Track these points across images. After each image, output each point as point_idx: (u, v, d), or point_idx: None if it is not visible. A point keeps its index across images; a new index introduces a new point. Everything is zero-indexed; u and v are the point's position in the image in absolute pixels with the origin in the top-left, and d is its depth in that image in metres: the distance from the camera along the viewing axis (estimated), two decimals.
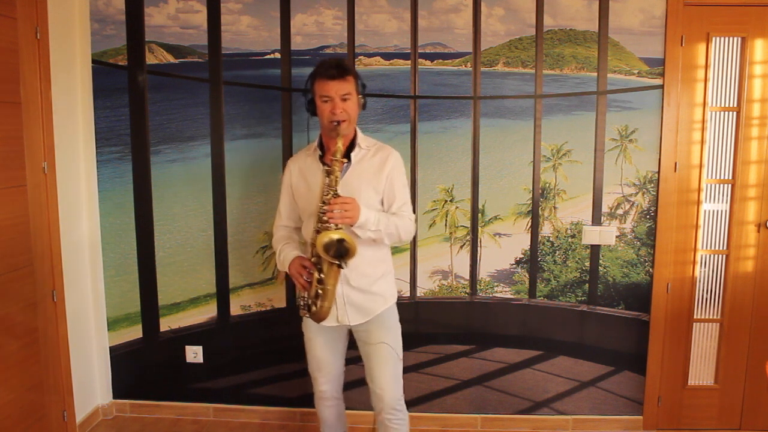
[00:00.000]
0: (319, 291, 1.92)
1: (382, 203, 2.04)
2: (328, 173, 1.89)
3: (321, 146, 2.04)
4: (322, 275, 1.90)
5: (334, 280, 1.91)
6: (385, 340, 2.07)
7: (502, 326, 2.84)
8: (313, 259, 1.92)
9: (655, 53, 2.65)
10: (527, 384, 2.86)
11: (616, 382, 2.83)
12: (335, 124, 1.91)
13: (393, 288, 2.14)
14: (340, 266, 1.84)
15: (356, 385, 2.85)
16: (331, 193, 1.86)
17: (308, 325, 2.13)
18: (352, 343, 2.19)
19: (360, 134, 2.05)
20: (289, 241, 2.12)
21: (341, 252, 1.82)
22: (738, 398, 2.80)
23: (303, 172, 2.06)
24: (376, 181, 2.00)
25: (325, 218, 1.85)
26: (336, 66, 1.91)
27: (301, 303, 2.00)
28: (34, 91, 2.44)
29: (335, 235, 1.81)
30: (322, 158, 2.02)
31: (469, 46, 2.72)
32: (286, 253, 2.04)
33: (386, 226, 1.95)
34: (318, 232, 1.87)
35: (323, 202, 1.87)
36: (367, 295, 2.03)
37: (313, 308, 1.95)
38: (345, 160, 1.95)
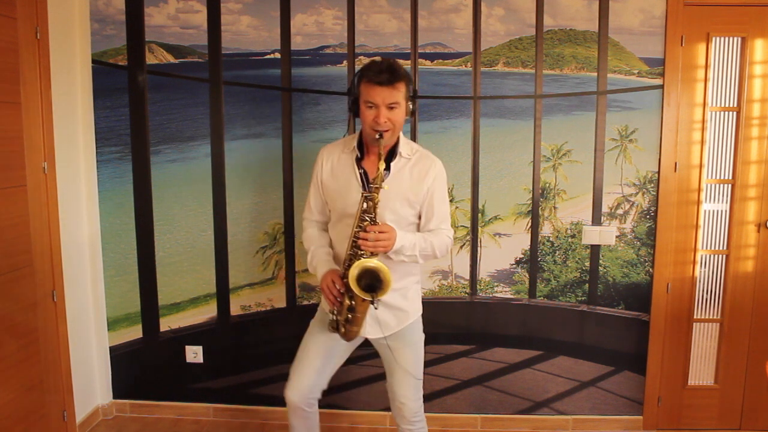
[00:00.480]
0: (350, 317, 1.83)
1: (419, 217, 1.94)
2: (367, 199, 1.76)
3: (360, 147, 1.91)
4: (353, 302, 1.80)
5: (365, 309, 1.83)
6: (406, 358, 1.98)
7: (502, 326, 2.84)
8: (345, 280, 1.81)
9: (655, 53, 2.65)
10: (527, 384, 2.86)
11: (616, 382, 2.83)
12: (377, 135, 1.77)
13: (418, 302, 2.05)
14: (372, 303, 1.74)
15: (356, 385, 2.85)
16: (369, 219, 1.75)
17: (320, 321, 2.04)
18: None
19: (402, 140, 1.92)
20: (323, 244, 2.00)
21: (374, 281, 1.71)
22: (738, 398, 2.80)
23: (335, 170, 1.93)
24: (413, 193, 1.88)
25: (358, 244, 1.76)
26: (388, 71, 1.76)
27: (332, 317, 1.91)
28: (34, 91, 2.44)
29: (370, 264, 1.71)
30: (359, 160, 1.90)
31: (469, 46, 2.72)
32: (320, 260, 1.93)
33: (422, 249, 1.86)
34: (352, 258, 1.78)
35: (359, 227, 1.77)
36: (392, 309, 1.95)
37: (342, 330, 1.87)
38: (385, 186, 1.79)
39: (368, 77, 1.79)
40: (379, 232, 1.74)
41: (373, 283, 1.72)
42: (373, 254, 1.76)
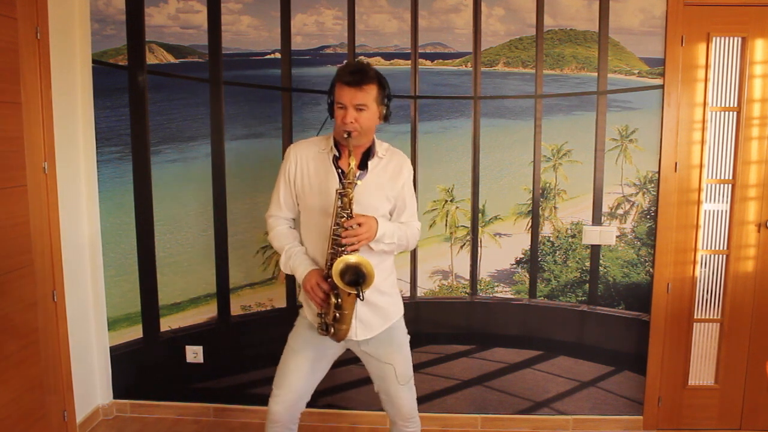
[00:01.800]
0: (337, 315, 1.84)
1: (391, 212, 1.98)
2: (341, 195, 1.78)
3: (337, 146, 1.93)
4: (339, 300, 1.81)
5: (352, 305, 1.84)
6: (396, 361, 1.99)
7: (502, 326, 2.84)
8: (329, 280, 1.82)
9: (655, 53, 2.65)
10: (527, 384, 2.86)
11: (617, 382, 2.83)
12: (345, 134, 1.80)
13: (401, 301, 2.08)
14: (358, 296, 1.75)
15: (356, 386, 2.85)
16: (346, 215, 1.77)
17: (298, 335, 2.04)
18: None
19: (377, 141, 1.95)
20: (296, 243, 1.99)
21: (358, 277, 1.75)
22: (738, 398, 2.80)
23: (312, 168, 1.93)
24: (390, 189, 1.93)
25: (340, 242, 1.77)
26: (356, 72, 1.79)
27: (320, 320, 1.91)
28: (34, 91, 2.44)
29: (352, 259, 1.75)
30: (337, 160, 1.91)
31: (469, 46, 2.72)
32: (298, 261, 1.93)
33: (399, 238, 1.91)
34: (333, 256, 1.79)
35: (337, 224, 1.78)
36: (376, 309, 1.96)
37: (332, 330, 1.87)
38: (358, 181, 1.84)
39: (339, 78, 1.82)
40: (358, 225, 1.78)
41: (356, 278, 1.76)
42: (354, 250, 1.79)
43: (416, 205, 2.05)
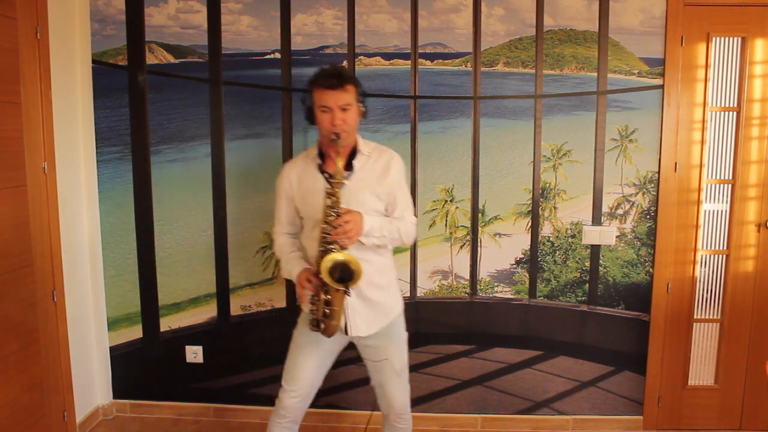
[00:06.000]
0: (327, 311, 1.88)
1: (385, 209, 2.00)
2: (329, 194, 1.83)
3: (321, 154, 1.99)
4: (328, 296, 1.86)
5: (341, 301, 1.88)
6: (393, 356, 2.04)
7: (502, 326, 2.84)
8: (318, 277, 1.86)
9: (655, 53, 2.64)
10: (527, 384, 2.86)
11: (616, 382, 2.83)
12: (334, 137, 1.85)
13: (400, 297, 2.11)
14: (346, 292, 1.81)
15: (356, 386, 2.85)
16: (334, 214, 1.81)
17: (303, 332, 2.07)
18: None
19: (360, 140, 2.00)
20: (295, 249, 2.06)
21: (346, 274, 1.78)
22: (738, 398, 2.80)
23: (302, 180, 2.00)
24: (379, 186, 1.96)
25: (329, 239, 1.81)
26: (336, 75, 1.86)
27: (311, 317, 1.95)
28: (34, 91, 2.44)
29: (339, 257, 1.79)
30: (321, 167, 1.97)
31: (469, 46, 2.72)
32: (293, 264, 1.99)
33: (389, 231, 1.94)
34: (322, 254, 1.83)
35: (326, 223, 1.83)
36: (375, 305, 1.99)
37: (322, 326, 1.91)
38: (345, 180, 1.89)
39: (318, 83, 1.87)
40: (345, 222, 1.80)
41: (344, 275, 1.79)
42: (343, 247, 1.82)
43: (410, 200, 2.06)
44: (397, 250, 2.76)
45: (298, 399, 2.04)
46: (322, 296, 1.87)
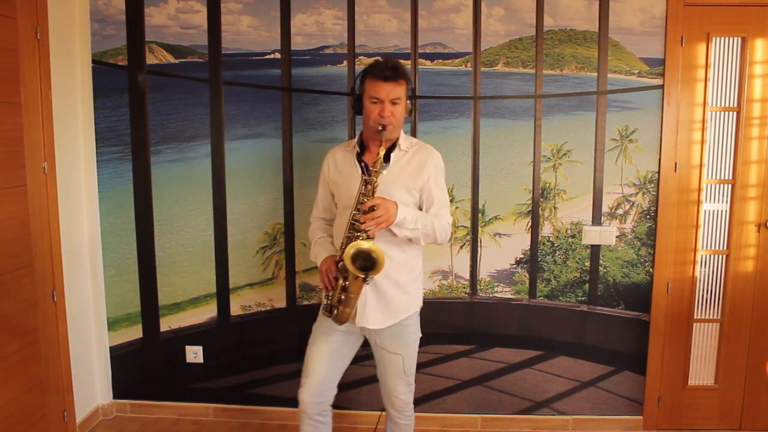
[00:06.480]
0: (342, 297, 1.89)
1: (420, 207, 2.00)
2: (366, 182, 1.85)
3: (361, 144, 2.02)
4: (346, 283, 1.87)
5: (358, 289, 1.88)
6: (401, 354, 2.04)
7: (502, 326, 2.84)
8: (340, 264, 1.89)
9: (655, 53, 2.64)
10: (527, 384, 2.86)
11: (616, 382, 2.83)
12: (380, 128, 1.87)
13: (419, 296, 2.10)
14: (365, 280, 1.81)
15: (356, 386, 2.85)
16: (366, 200, 1.82)
17: (318, 324, 2.10)
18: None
19: (402, 135, 2.02)
20: (324, 235, 2.10)
21: (368, 263, 1.78)
22: (738, 398, 2.80)
23: (339, 167, 2.04)
24: (412, 182, 1.96)
25: (358, 227, 1.81)
26: (392, 68, 1.88)
27: (325, 302, 1.97)
28: (34, 91, 2.44)
29: (364, 245, 1.78)
30: (359, 156, 2.00)
31: (469, 46, 2.72)
32: (320, 249, 2.04)
33: (424, 225, 1.92)
34: (348, 240, 1.84)
35: (357, 209, 1.83)
36: (388, 301, 1.98)
37: (335, 311, 1.92)
38: (384, 171, 1.91)
39: (373, 74, 1.89)
40: (376, 207, 1.79)
41: (366, 264, 1.79)
42: (370, 237, 1.81)
43: (447, 199, 2.06)
44: None
45: (310, 393, 2.04)
46: (341, 282, 1.88)
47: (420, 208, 2.01)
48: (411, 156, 2.00)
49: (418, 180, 1.97)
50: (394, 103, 1.89)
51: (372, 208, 1.79)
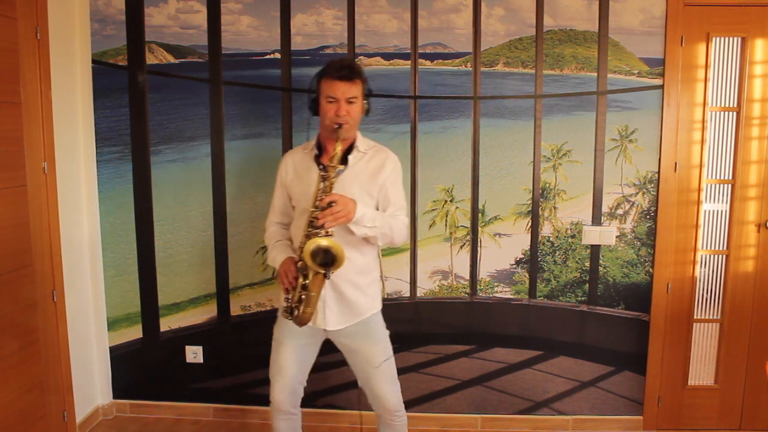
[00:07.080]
0: (302, 296, 1.87)
1: (377, 208, 2.01)
2: (323, 178, 1.85)
3: (318, 146, 2.02)
4: (306, 281, 1.85)
5: (318, 287, 1.87)
6: (368, 351, 2.04)
7: (502, 326, 2.84)
8: (299, 264, 1.87)
9: (655, 53, 2.65)
10: (527, 384, 2.86)
11: (616, 382, 2.83)
12: (337, 126, 1.88)
13: (378, 298, 2.10)
14: (325, 276, 1.80)
15: (355, 386, 2.84)
16: (324, 197, 1.82)
17: (281, 327, 2.09)
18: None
19: (360, 137, 2.02)
20: (281, 239, 2.09)
21: (328, 260, 1.78)
22: (738, 398, 2.80)
23: (297, 169, 2.04)
24: (371, 184, 1.97)
25: (316, 223, 1.80)
26: (347, 67, 1.89)
27: (285, 304, 1.95)
28: (34, 91, 2.44)
29: (323, 242, 1.77)
30: (318, 158, 1.99)
31: (469, 46, 2.72)
32: (278, 252, 2.02)
33: (382, 225, 1.92)
34: (308, 237, 1.82)
35: (315, 207, 1.82)
36: (347, 303, 1.99)
37: (296, 312, 1.91)
38: (342, 166, 1.91)
39: (329, 74, 1.90)
40: (334, 203, 1.78)
41: (326, 261, 1.78)
42: (328, 234, 1.80)
43: (404, 202, 2.05)
44: (397, 251, 2.77)
45: (284, 392, 2.08)
46: (300, 281, 1.87)
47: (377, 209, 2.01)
48: (369, 158, 2.00)
49: (376, 183, 1.98)
50: (350, 102, 1.90)
51: (330, 204, 1.78)
